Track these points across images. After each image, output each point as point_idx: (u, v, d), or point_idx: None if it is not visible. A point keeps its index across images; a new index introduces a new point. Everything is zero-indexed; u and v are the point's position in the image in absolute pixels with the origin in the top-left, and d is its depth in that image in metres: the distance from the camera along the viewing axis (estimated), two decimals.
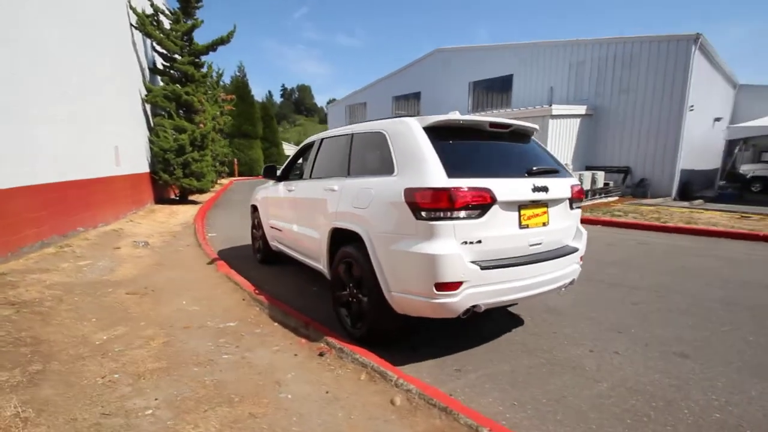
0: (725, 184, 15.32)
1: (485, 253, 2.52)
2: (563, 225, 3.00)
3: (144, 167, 9.96)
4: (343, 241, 3.16)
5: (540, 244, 2.80)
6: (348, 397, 2.27)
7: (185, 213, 9.69)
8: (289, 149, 59.13)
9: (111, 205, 7.79)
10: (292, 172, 4.89)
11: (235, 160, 22.94)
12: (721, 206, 11.59)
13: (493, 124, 2.90)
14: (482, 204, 2.47)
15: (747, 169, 16.57)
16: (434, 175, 2.46)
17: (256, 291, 3.99)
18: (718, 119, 17.72)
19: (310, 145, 4.39)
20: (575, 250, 3.03)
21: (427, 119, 2.77)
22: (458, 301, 2.43)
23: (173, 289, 4.28)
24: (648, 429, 2.05)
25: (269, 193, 4.95)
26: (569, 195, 2.99)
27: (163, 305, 3.77)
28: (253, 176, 23.32)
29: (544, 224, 2.81)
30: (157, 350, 2.85)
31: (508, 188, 2.58)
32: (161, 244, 6.49)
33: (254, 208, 5.72)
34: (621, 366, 2.70)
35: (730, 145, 16.09)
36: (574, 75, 16.47)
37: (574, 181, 3.10)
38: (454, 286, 2.41)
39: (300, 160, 4.70)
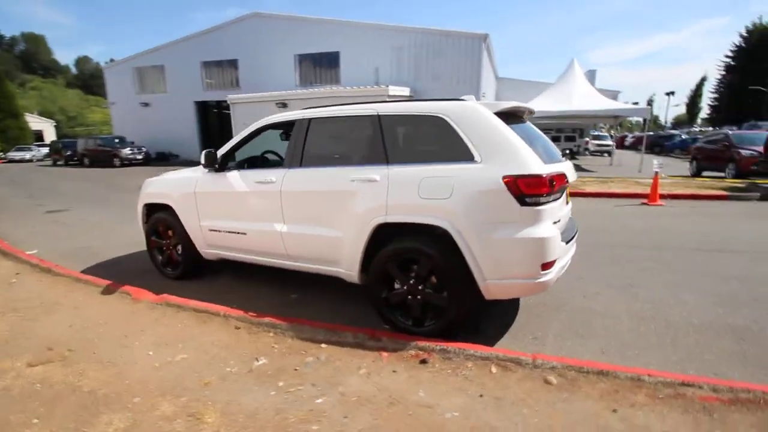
0: None
1: (559, 231, 2.79)
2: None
3: None
4: (390, 237, 2.86)
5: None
6: (505, 394, 2.22)
7: None
8: (36, 122, 43.62)
9: None
10: (242, 159, 3.92)
11: None
12: None
13: (527, 110, 3.12)
14: (563, 186, 2.72)
15: None
16: (533, 162, 2.53)
17: (254, 314, 3.15)
18: None
19: (281, 125, 3.61)
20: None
21: (498, 105, 2.77)
22: (552, 277, 2.65)
23: (104, 339, 2.92)
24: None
25: (204, 188, 3.80)
26: None
27: (122, 366, 2.56)
28: None
29: (567, 203, 3.27)
30: (216, 426, 2.00)
31: (569, 171, 2.90)
32: None
33: (150, 210, 4.30)
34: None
35: None
36: (395, 59, 18.10)
37: None
38: (552, 263, 2.61)
39: (251, 144, 3.79)
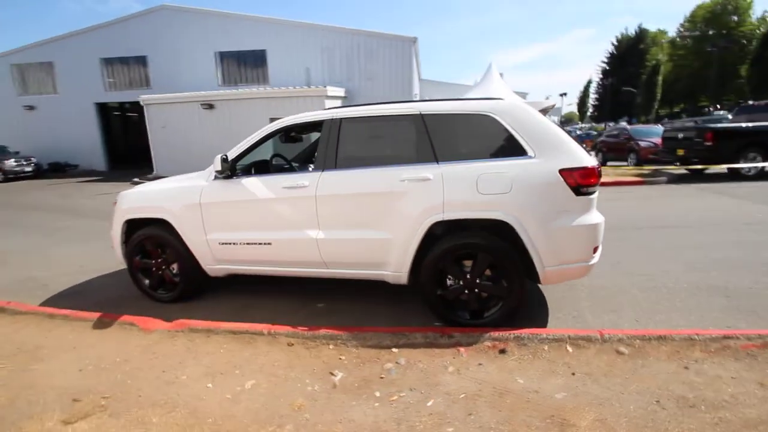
0: None
1: None
2: None
3: None
4: (437, 236, 2.91)
5: None
6: (591, 369, 2.40)
7: None
8: None
9: None
10: (247, 164, 3.61)
11: None
12: None
13: (552, 107, 3.38)
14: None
15: None
16: (584, 155, 2.77)
17: (305, 327, 2.93)
18: None
19: (304, 126, 3.41)
20: None
21: (540, 104, 2.96)
22: (597, 260, 2.92)
23: (140, 379, 2.50)
24: None
25: (212, 197, 3.41)
26: None
27: (187, 405, 2.23)
28: None
29: None
30: None
31: None
32: None
33: (131, 227, 3.75)
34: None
35: None
36: (326, 59, 17.84)
37: None
38: (598, 247, 2.88)
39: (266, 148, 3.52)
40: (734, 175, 9.56)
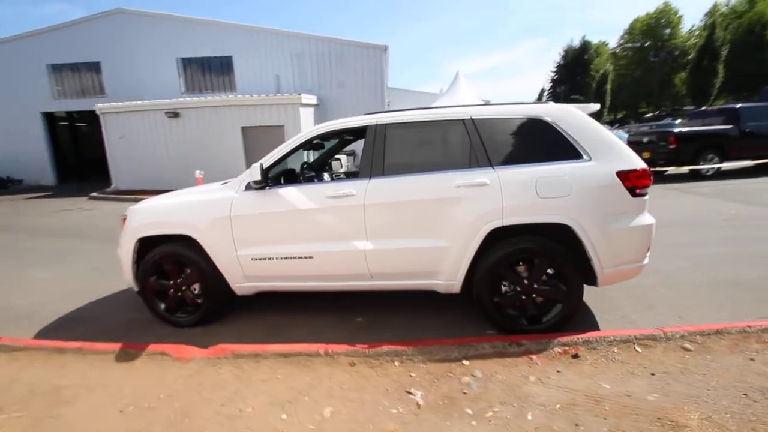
0: None
1: None
2: None
3: None
4: (492, 241, 2.87)
5: None
6: (667, 368, 2.43)
7: None
8: None
9: None
10: (276, 173, 3.40)
11: None
12: None
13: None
14: None
15: None
16: (636, 157, 2.84)
17: (365, 345, 2.76)
18: None
19: (344, 132, 3.26)
20: None
21: (588, 107, 3.00)
22: (648, 260, 2.99)
23: (197, 417, 2.24)
24: None
25: (245, 209, 3.16)
26: None
27: None
28: None
29: None
30: None
31: None
32: None
33: (145, 245, 3.41)
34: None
35: None
36: (296, 65, 17.53)
37: None
38: (650, 247, 2.95)
39: (304, 157, 3.32)
40: (695, 176, 10.34)
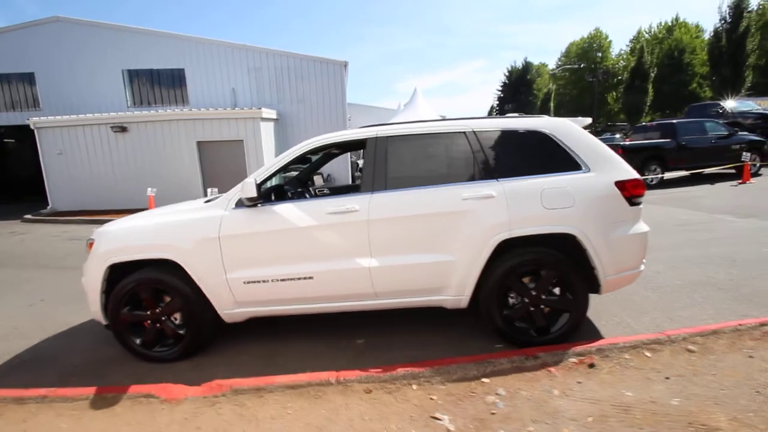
0: None
1: None
2: None
3: None
4: (502, 252, 2.85)
5: None
6: (679, 371, 2.49)
7: None
8: None
9: None
10: (267, 189, 3.19)
11: None
12: None
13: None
14: None
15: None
16: (630, 168, 2.95)
17: (379, 369, 2.59)
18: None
19: (341, 146, 3.13)
20: None
21: (583, 121, 3.09)
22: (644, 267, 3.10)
23: None
24: None
25: (236, 229, 2.90)
26: None
27: None
28: None
29: None
30: None
31: None
32: None
33: (115, 272, 3.04)
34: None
35: None
36: (254, 80, 17.10)
37: None
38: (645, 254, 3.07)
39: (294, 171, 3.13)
40: None
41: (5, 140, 20.45)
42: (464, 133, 2.98)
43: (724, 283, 3.96)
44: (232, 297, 3.01)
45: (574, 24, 79.53)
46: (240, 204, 2.98)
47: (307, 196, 3.74)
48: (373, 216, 2.87)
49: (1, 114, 16.41)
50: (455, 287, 2.91)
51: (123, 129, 13.65)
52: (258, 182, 2.91)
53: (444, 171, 3.06)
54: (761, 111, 14.53)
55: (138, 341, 3.10)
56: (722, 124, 11.50)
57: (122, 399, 2.51)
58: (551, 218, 2.80)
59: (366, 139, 3.04)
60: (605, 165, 2.92)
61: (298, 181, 4.29)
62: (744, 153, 10.52)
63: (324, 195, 3.35)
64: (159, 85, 17.07)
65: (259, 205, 2.97)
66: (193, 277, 2.95)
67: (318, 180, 4.85)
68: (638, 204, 2.93)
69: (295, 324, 3.52)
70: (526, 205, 2.81)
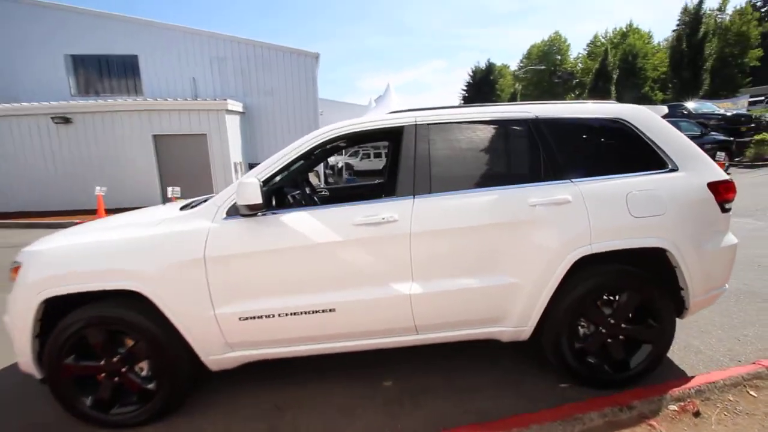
0: None
1: None
2: None
3: None
4: (576, 270, 2.28)
5: None
6: None
7: None
8: None
9: None
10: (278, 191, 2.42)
11: None
12: None
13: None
14: None
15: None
16: (717, 166, 2.45)
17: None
18: None
19: (367, 135, 2.45)
20: None
21: (661, 110, 2.55)
22: None
23: None
24: None
25: (229, 247, 2.13)
26: None
27: None
28: None
29: None
30: None
31: None
32: None
33: (53, 308, 2.18)
34: None
35: None
36: (217, 70, 15.81)
37: None
38: None
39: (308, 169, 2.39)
40: None
41: None
42: (527, 120, 2.37)
43: (753, 293, 3.61)
44: (221, 338, 2.23)
45: (528, 29, 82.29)
46: (233, 212, 2.21)
47: (316, 199, 3.00)
48: (417, 228, 2.19)
49: None
50: (517, 316, 2.30)
51: (66, 120, 12.05)
52: (262, 182, 2.15)
53: (502, 169, 2.44)
54: (722, 112, 15.16)
55: (89, 401, 2.25)
56: (695, 124, 11.75)
57: None
58: (640, 229, 2.25)
59: (403, 126, 2.35)
60: (695, 163, 2.40)
61: (291, 180, 3.52)
62: (718, 152, 10.74)
63: (341, 200, 2.60)
64: (108, 72, 15.41)
65: (260, 214, 2.21)
66: (166, 312, 2.15)
67: (314, 179, 4.07)
68: (729, 210, 2.44)
69: (293, 362, 2.76)
70: (611, 212, 2.24)
